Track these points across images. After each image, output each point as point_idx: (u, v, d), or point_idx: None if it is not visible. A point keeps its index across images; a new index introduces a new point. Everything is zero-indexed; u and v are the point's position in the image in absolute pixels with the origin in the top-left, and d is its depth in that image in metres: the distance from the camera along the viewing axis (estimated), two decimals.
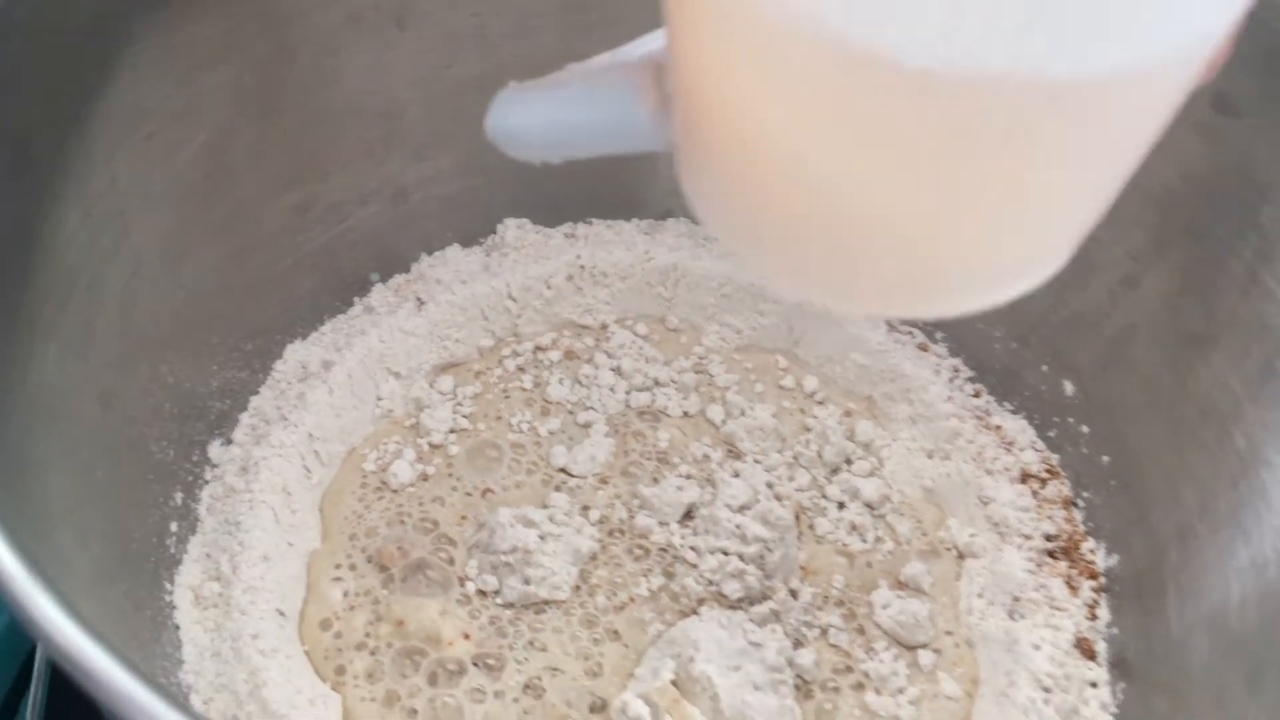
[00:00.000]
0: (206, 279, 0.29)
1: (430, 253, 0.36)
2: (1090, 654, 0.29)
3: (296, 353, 0.33)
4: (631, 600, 0.30)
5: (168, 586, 0.27)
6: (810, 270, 0.15)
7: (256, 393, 0.31)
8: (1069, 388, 0.33)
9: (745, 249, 0.16)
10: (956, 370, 0.35)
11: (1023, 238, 0.15)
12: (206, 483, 0.30)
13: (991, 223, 0.14)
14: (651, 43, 0.18)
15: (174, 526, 0.28)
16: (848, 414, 0.35)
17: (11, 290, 0.21)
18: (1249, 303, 0.27)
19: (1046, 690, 0.28)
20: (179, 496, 0.28)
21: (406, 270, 0.35)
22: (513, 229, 0.36)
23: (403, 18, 0.31)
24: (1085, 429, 0.32)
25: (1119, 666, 0.29)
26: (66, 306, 0.23)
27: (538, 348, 0.35)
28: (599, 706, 0.28)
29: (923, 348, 0.36)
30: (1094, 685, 0.29)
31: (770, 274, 0.16)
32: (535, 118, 0.18)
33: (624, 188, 0.37)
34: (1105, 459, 0.32)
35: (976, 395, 0.35)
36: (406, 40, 0.31)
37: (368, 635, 0.28)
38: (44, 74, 0.22)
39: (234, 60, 0.28)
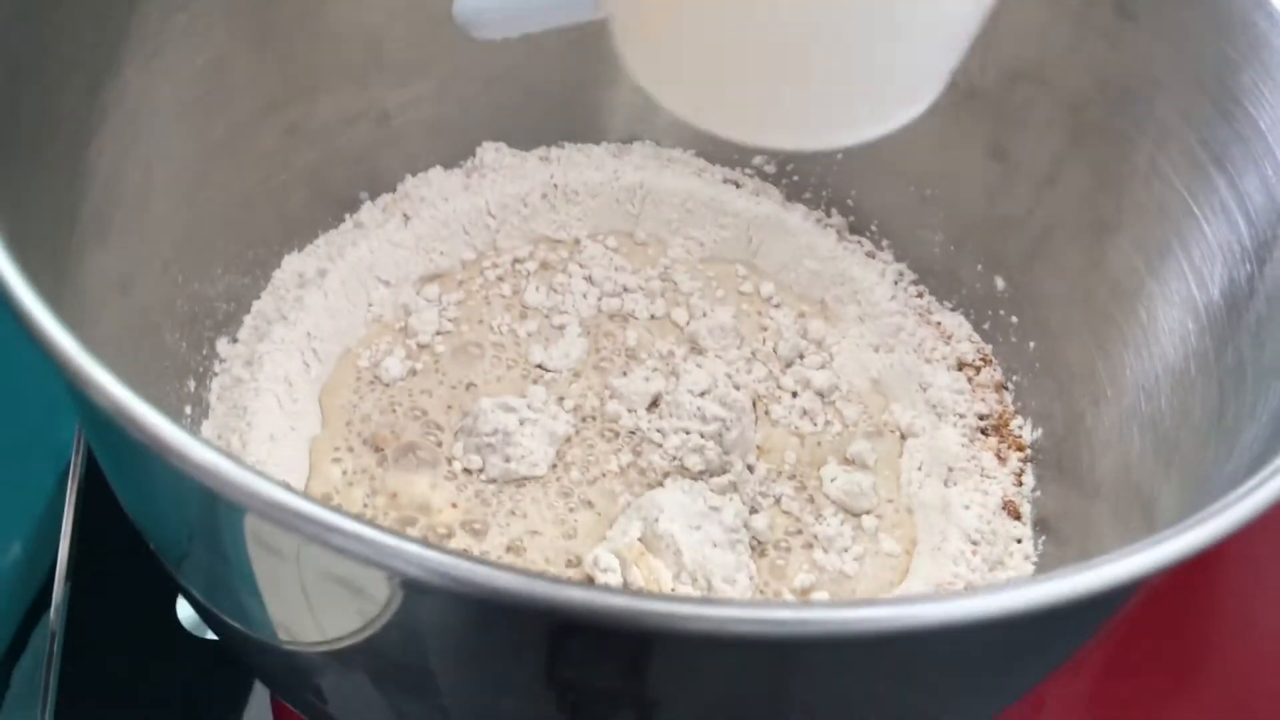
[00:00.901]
0: (209, 190, 0.32)
1: (414, 174, 0.38)
2: (1015, 514, 0.33)
3: (293, 263, 0.35)
4: (603, 475, 0.33)
5: None
6: (720, 103, 0.18)
7: (258, 297, 0.34)
8: (1000, 283, 0.36)
9: (667, 88, 0.19)
10: (901, 274, 0.39)
11: (878, 79, 0.18)
12: (215, 375, 0.33)
13: (853, 62, 0.17)
14: None
15: (188, 410, 0.31)
16: (801, 315, 0.38)
17: (36, 176, 0.24)
18: (1150, 189, 0.30)
19: (975, 544, 0.32)
20: (191, 384, 0.31)
21: (392, 190, 0.38)
22: (490, 152, 0.39)
23: None
24: (1014, 320, 0.36)
25: (1040, 524, 0.33)
26: (86, 197, 0.26)
27: (515, 260, 0.38)
28: (574, 562, 0.31)
29: (870, 255, 0.39)
30: (1019, 541, 0.32)
31: (689, 109, 0.19)
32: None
33: (593, 114, 0.40)
34: (1032, 345, 0.35)
35: (919, 296, 0.38)
36: None
37: (365, 506, 0.31)
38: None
39: None
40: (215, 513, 0.19)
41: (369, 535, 0.16)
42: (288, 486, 0.16)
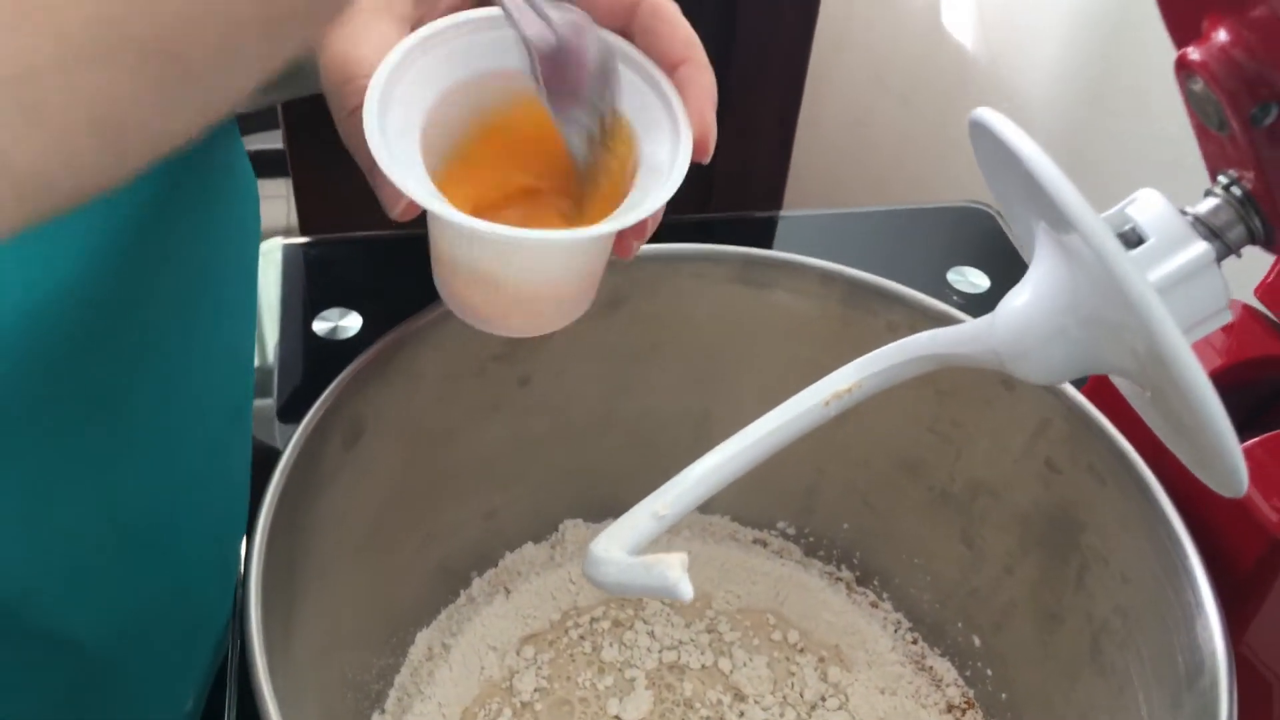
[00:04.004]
0: (366, 594, 0.42)
1: (511, 550, 0.49)
2: None
3: (425, 638, 0.45)
4: None
5: None
6: (482, 319, 0.34)
7: (399, 671, 0.44)
8: (976, 641, 0.46)
9: (459, 312, 0.34)
10: (900, 622, 0.48)
11: (543, 308, 0.34)
12: None
13: (530, 299, 0.34)
14: None
15: None
16: (821, 660, 0.48)
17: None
18: (1079, 596, 0.40)
19: None
20: None
21: (495, 565, 0.48)
22: (570, 528, 0.50)
23: (497, 404, 0.45)
24: (990, 672, 0.45)
25: None
26: (287, 599, 0.36)
27: (592, 619, 0.48)
28: None
29: (874, 605, 0.49)
30: None
31: (471, 320, 0.35)
32: (609, 578, 0.31)
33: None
34: (1004, 696, 0.44)
35: (914, 643, 0.48)
36: (496, 420, 0.45)
37: None
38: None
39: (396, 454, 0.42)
40: None
41: None
42: None
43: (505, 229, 0.30)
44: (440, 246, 0.34)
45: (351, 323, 0.70)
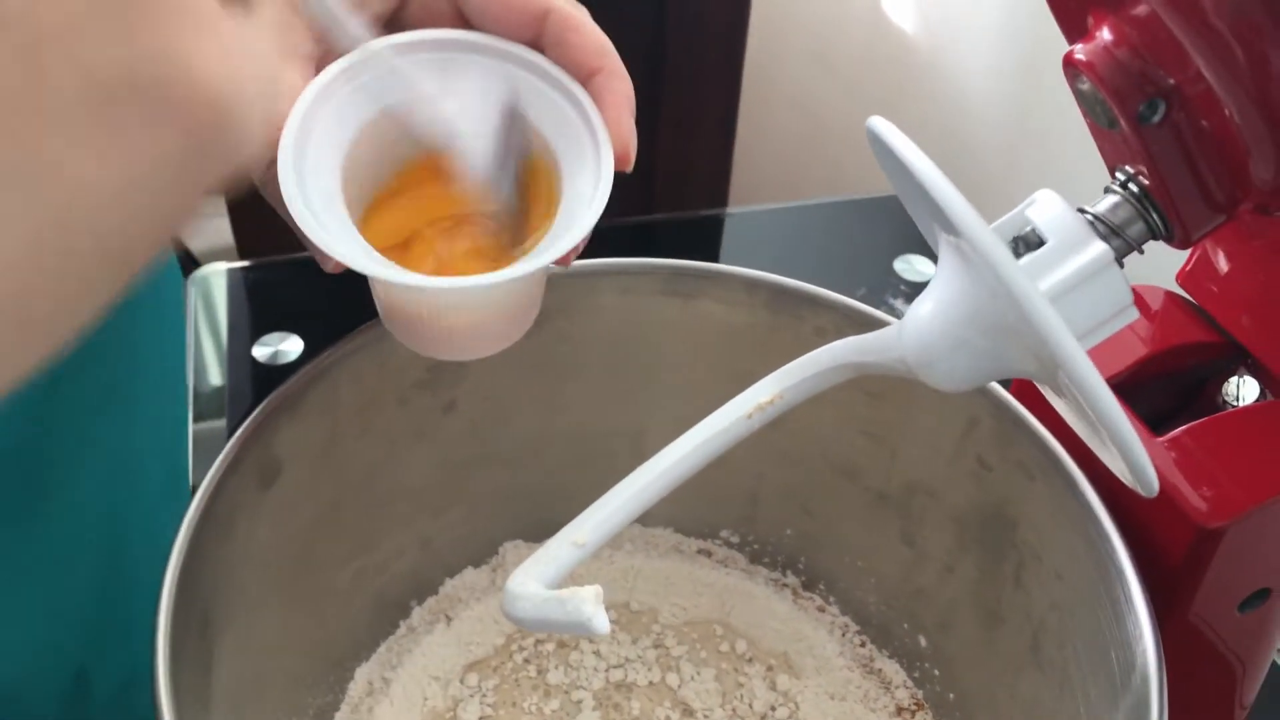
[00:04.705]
0: (299, 633, 0.42)
1: (451, 577, 0.48)
2: None
3: (364, 673, 0.45)
4: None
5: None
6: (422, 346, 0.34)
7: (338, 709, 0.43)
8: (923, 641, 0.45)
9: (402, 340, 0.34)
10: (847, 626, 0.48)
11: (476, 337, 0.34)
12: None
13: (466, 331, 0.33)
14: None
15: None
16: (770, 668, 0.47)
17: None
18: (1018, 594, 0.40)
19: None
20: None
21: (435, 593, 0.48)
22: (511, 550, 0.49)
23: (422, 431, 0.44)
24: (937, 672, 0.45)
25: None
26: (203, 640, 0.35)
27: (537, 641, 0.47)
28: None
29: (821, 609, 0.48)
30: None
31: (412, 346, 0.34)
32: (526, 614, 0.30)
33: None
34: (952, 696, 0.44)
35: (863, 645, 0.47)
36: (423, 448, 0.45)
37: None
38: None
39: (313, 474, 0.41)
40: None
41: None
42: None
43: (429, 282, 0.30)
44: (375, 289, 0.33)
45: (292, 347, 0.69)
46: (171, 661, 0.31)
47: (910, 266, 0.77)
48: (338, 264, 0.30)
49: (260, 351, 0.69)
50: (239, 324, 0.75)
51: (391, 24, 0.33)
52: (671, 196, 0.86)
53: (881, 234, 0.81)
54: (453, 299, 0.32)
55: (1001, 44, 0.86)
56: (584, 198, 0.32)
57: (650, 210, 0.86)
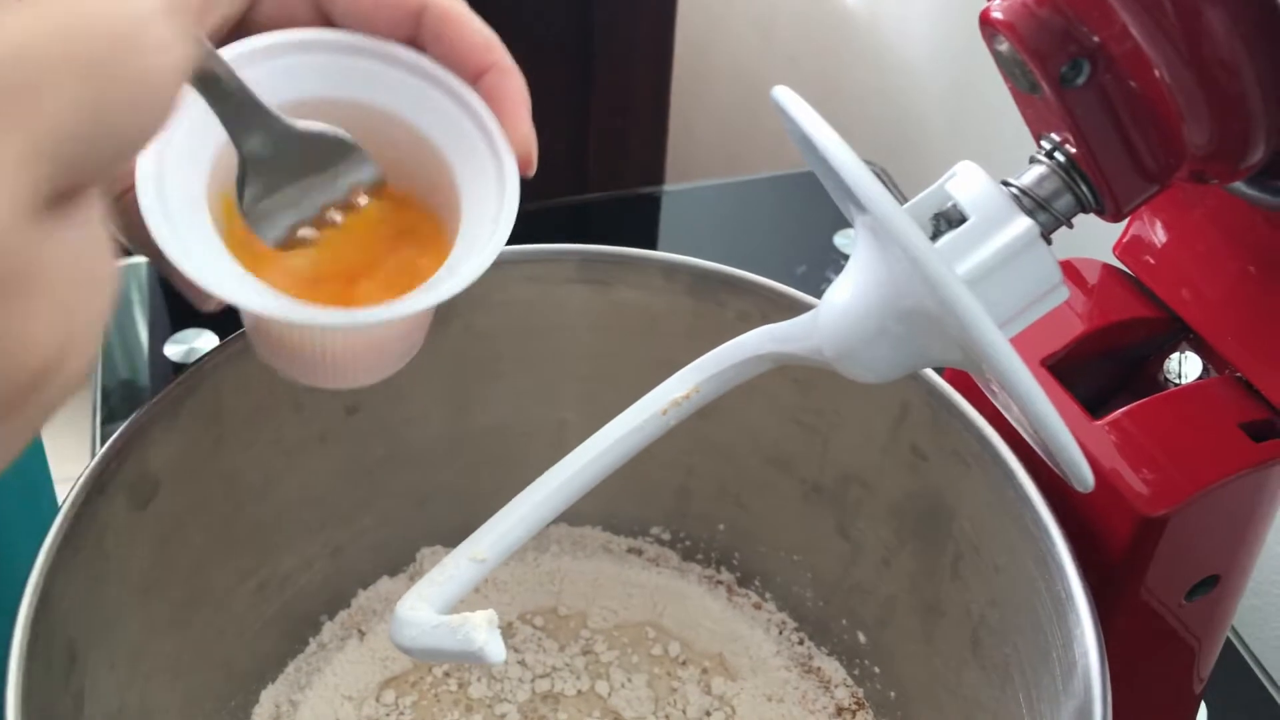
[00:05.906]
0: (193, 660, 0.39)
1: (365, 588, 0.45)
2: None
3: (270, 695, 0.42)
4: None
5: None
6: (296, 373, 0.30)
7: None
8: (862, 637, 0.43)
9: (277, 367, 0.31)
10: (784, 623, 0.46)
11: (356, 365, 0.31)
12: None
13: (349, 362, 0.30)
14: None
15: None
16: (704, 671, 0.45)
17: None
18: (956, 587, 0.38)
19: None
20: None
21: (347, 606, 0.45)
22: (429, 556, 0.46)
23: (324, 435, 0.41)
24: (877, 670, 0.43)
25: None
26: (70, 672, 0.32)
27: None
28: None
29: (757, 606, 0.46)
30: None
31: (287, 374, 0.31)
32: (415, 643, 0.28)
33: None
34: (893, 694, 0.42)
35: (801, 643, 0.45)
36: (326, 452, 0.42)
37: None
38: None
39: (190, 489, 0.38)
40: None
41: None
42: None
43: (315, 315, 0.27)
44: (247, 319, 0.30)
45: (207, 344, 0.65)
46: (24, 701, 0.28)
47: (851, 242, 0.75)
48: (219, 301, 0.27)
49: (173, 350, 0.65)
50: (158, 322, 0.72)
51: (242, 27, 0.29)
52: (606, 175, 0.83)
53: (823, 209, 0.78)
54: (338, 334, 0.29)
55: (943, 9, 0.83)
56: (487, 216, 0.29)
57: (584, 190, 0.83)
